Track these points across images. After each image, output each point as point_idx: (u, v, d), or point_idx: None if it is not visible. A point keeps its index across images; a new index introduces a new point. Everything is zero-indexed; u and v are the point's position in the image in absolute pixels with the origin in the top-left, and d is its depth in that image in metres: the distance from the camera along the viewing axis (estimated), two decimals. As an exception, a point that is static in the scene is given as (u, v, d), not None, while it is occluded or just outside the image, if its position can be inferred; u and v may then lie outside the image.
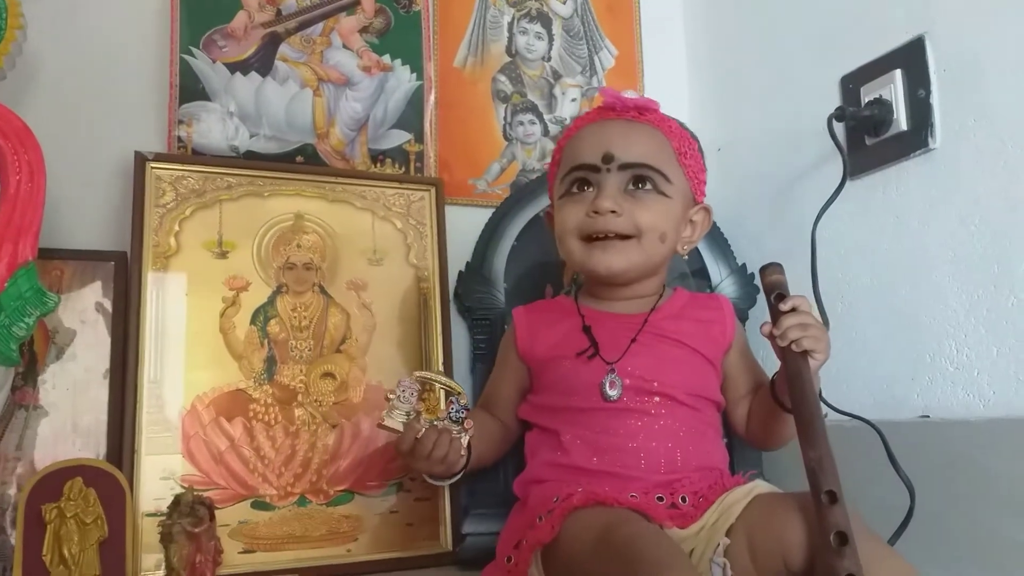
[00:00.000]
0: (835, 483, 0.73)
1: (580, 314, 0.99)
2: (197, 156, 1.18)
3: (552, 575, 0.80)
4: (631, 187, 0.94)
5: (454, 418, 0.94)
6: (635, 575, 0.67)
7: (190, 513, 0.95)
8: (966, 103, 1.01)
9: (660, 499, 0.85)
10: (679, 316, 0.99)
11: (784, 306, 0.89)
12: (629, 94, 0.97)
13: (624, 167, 0.93)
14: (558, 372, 0.97)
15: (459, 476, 0.97)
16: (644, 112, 0.97)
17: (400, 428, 0.92)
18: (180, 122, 1.18)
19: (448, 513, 1.16)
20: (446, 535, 1.15)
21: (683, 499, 0.85)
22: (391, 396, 0.94)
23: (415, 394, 0.94)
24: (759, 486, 0.83)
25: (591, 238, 0.94)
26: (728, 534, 0.79)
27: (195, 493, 0.97)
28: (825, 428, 0.80)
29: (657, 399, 0.92)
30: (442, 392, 1.06)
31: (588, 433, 0.91)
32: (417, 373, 0.97)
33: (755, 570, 0.78)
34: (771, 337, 0.89)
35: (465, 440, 0.93)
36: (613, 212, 0.92)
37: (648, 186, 0.93)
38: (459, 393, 0.97)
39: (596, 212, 0.92)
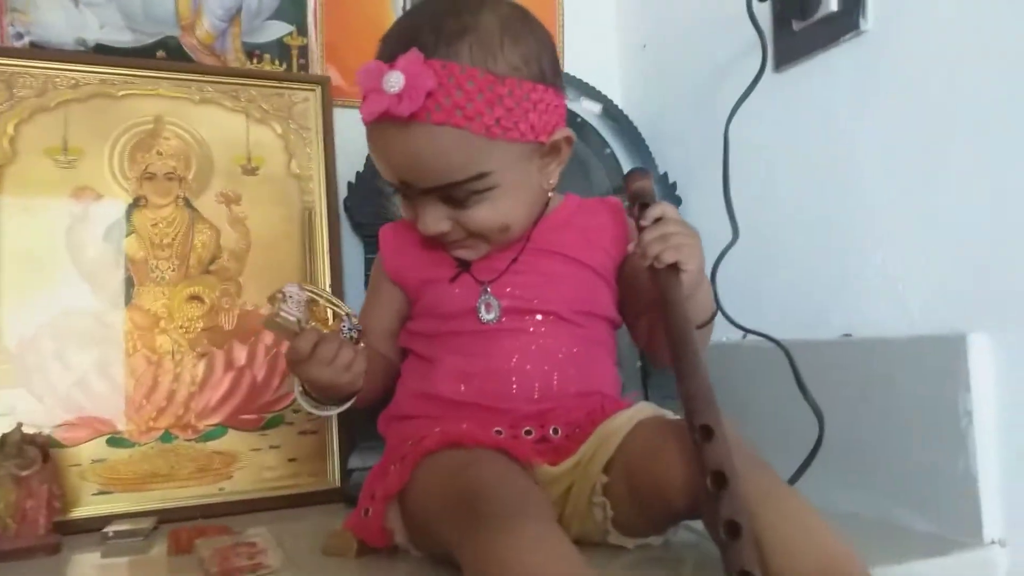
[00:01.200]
0: (712, 416, 0.61)
1: None
2: (36, 50, 1.03)
3: (408, 525, 0.71)
4: (447, 199, 0.77)
5: (347, 336, 0.82)
6: (479, 523, 0.57)
7: (18, 455, 0.85)
8: (901, -22, 0.88)
9: (528, 432, 0.75)
10: (565, 226, 0.85)
11: (644, 220, 0.76)
12: (392, 83, 0.69)
13: (427, 191, 0.77)
14: (431, 295, 0.85)
15: (349, 404, 0.85)
16: (415, 115, 0.70)
17: (295, 326, 0.77)
18: (13, 10, 1.02)
19: (336, 446, 1.06)
20: (333, 470, 1.05)
21: (555, 431, 0.75)
22: (277, 297, 0.79)
23: (302, 305, 0.80)
24: (642, 410, 0.72)
25: None
26: (607, 469, 0.70)
27: (25, 432, 0.86)
28: (699, 354, 0.67)
29: (539, 317, 0.81)
30: (329, 312, 0.92)
31: (459, 358, 0.80)
32: (305, 285, 0.83)
33: (637, 509, 0.69)
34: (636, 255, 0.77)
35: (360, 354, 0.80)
36: (443, 233, 0.79)
37: (463, 195, 0.76)
38: (348, 313, 0.85)
39: (424, 234, 0.80)
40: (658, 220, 0.75)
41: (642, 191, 0.79)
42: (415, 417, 0.80)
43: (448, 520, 0.62)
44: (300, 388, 0.83)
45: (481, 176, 0.75)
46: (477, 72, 0.71)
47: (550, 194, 0.85)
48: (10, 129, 0.99)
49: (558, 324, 0.81)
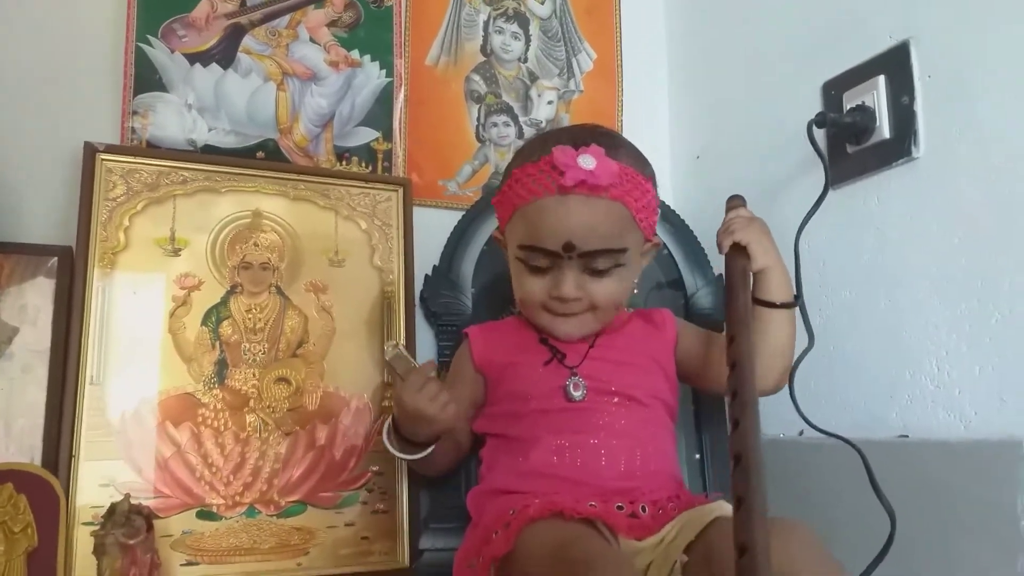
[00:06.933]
0: (750, 415, 0.72)
1: (535, 329, 0.99)
2: (151, 149, 1.13)
3: (506, 590, 0.76)
4: (590, 267, 0.91)
5: None
6: None
7: (125, 523, 0.90)
8: (951, 111, 0.97)
9: (620, 508, 0.82)
10: (628, 323, 1.01)
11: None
12: (586, 162, 0.85)
13: (584, 255, 0.89)
14: (517, 377, 0.96)
15: (427, 452, 0.93)
16: (603, 188, 0.87)
17: (409, 362, 0.91)
18: (134, 113, 1.13)
19: (406, 527, 1.11)
20: (403, 550, 1.10)
21: (643, 508, 0.82)
22: (393, 343, 0.94)
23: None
24: (723, 507, 0.78)
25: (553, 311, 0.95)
26: (688, 551, 0.75)
27: (132, 502, 0.92)
28: (750, 325, 0.84)
29: (616, 400, 0.92)
30: None
31: (549, 433, 0.90)
32: (402, 350, 0.93)
33: (713, 591, 0.74)
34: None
35: None
36: (577, 299, 0.92)
37: (606, 265, 0.90)
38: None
39: (558, 298, 0.92)
40: None
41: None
42: (511, 492, 0.87)
43: None
44: (388, 427, 0.94)
45: (624, 250, 0.90)
46: (634, 171, 0.90)
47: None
48: (126, 221, 1.08)
49: (634, 406, 0.92)
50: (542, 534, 0.73)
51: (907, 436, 0.97)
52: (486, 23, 1.38)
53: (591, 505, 0.80)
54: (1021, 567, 0.81)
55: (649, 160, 0.97)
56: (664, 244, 1.29)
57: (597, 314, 0.94)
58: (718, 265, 1.27)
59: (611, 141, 0.91)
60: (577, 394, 0.92)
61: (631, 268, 0.93)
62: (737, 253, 0.94)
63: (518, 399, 0.94)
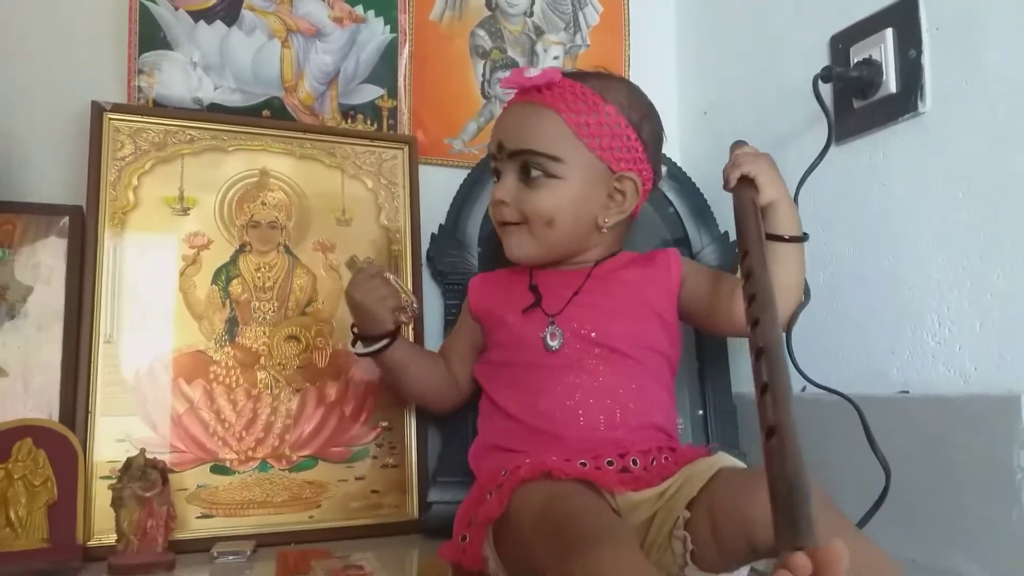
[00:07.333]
0: (770, 312, 0.69)
1: (530, 274, 0.99)
2: (158, 108, 1.13)
3: (502, 551, 0.78)
4: (523, 174, 0.92)
5: (407, 309, 1.00)
6: (573, 551, 0.64)
7: (141, 477, 0.93)
8: (958, 65, 0.96)
9: (611, 463, 0.83)
10: (623, 267, 0.98)
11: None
12: (530, 72, 0.92)
13: (512, 155, 0.92)
14: (503, 326, 0.97)
15: (382, 347, 0.99)
16: (536, 92, 0.92)
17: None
18: (140, 72, 1.13)
19: (415, 480, 1.13)
20: (412, 503, 1.13)
21: (634, 462, 0.83)
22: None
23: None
24: (723, 459, 0.79)
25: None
26: (689, 507, 0.76)
27: (147, 456, 0.95)
28: (763, 242, 0.82)
29: (597, 350, 0.91)
30: (402, 296, 1.03)
31: (526, 395, 0.91)
32: (385, 269, 1.00)
33: (717, 546, 0.75)
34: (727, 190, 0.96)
35: (404, 316, 0.99)
36: (504, 203, 0.93)
37: (536, 172, 0.91)
38: (411, 298, 1.01)
39: (493, 202, 0.96)
40: None
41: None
42: (504, 450, 0.89)
43: (541, 544, 0.69)
44: (352, 333, 1.01)
45: (555, 159, 0.90)
46: (590, 91, 0.91)
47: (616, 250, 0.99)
48: (135, 180, 1.09)
49: (617, 359, 0.91)
50: (531, 494, 0.74)
51: (907, 392, 0.98)
52: (491, -23, 1.37)
53: (581, 464, 0.80)
54: (1016, 519, 0.82)
55: (648, 105, 0.97)
56: (671, 203, 1.30)
57: (533, 231, 0.93)
58: (724, 222, 1.27)
59: (585, 72, 0.95)
60: (554, 344, 0.91)
61: (571, 184, 0.90)
62: (745, 185, 0.93)
63: (505, 349, 0.96)
